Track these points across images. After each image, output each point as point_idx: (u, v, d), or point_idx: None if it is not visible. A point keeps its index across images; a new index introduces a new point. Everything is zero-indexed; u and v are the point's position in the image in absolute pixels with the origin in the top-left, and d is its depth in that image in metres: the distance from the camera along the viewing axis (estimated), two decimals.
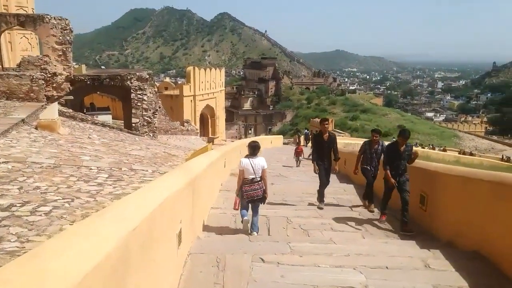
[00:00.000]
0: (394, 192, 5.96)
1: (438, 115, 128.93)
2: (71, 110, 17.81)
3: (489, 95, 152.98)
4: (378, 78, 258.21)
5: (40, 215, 5.03)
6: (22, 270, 1.32)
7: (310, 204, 7.19)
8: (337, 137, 7.57)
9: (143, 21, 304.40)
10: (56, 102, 14.06)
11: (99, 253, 1.61)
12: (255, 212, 5.20)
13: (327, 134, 7.02)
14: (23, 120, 12.06)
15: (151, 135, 19.21)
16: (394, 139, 6.98)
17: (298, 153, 15.28)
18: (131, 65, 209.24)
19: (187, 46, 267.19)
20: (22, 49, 28.65)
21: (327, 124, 7.09)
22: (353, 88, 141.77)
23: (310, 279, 3.50)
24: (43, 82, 15.98)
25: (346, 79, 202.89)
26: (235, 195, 5.26)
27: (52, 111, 12.60)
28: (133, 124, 18.98)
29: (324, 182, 6.97)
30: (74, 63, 23.97)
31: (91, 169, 8.12)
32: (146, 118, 19.07)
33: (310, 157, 17.35)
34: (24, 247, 4.05)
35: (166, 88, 43.24)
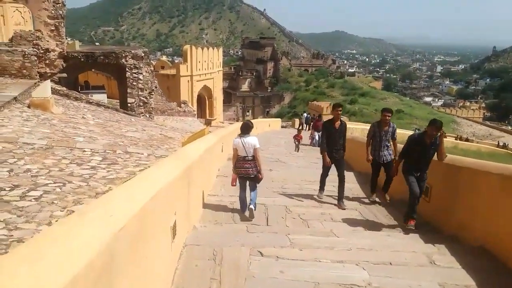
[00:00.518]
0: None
1: (436, 100, 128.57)
2: (65, 88, 17.41)
3: (488, 80, 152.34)
4: (378, 60, 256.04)
5: (30, 200, 4.84)
6: None
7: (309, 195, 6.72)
8: None
9: None
10: (49, 80, 13.66)
11: (77, 263, 1.41)
12: (252, 188, 5.45)
13: (339, 121, 6.36)
14: (15, 98, 11.70)
15: (147, 115, 18.89)
16: (417, 130, 6.39)
17: (297, 139, 14.98)
18: (127, 42, 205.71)
19: (184, 23, 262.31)
20: (15, 23, 27.81)
21: (340, 110, 6.36)
22: (352, 70, 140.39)
23: (311, 276, 3.34)
24: (36, 58, 15.50)
25: (345, 61, 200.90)
26: (232, 172, 5.60)
27: (44, 89, 12.23)
28: (129, 104, 18.63)
29: (325, 172, 6.49)
30: (69, 39, 23.35)
31: (84, 151, 7.89)
32: (142, 98, 18.70)
33: (311, 142, 17.27)
34: (12, 235, 3.86)
35: (163, 67, 42.51)
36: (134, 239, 2.09)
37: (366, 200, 6.55)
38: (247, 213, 5.29)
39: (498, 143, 38.59)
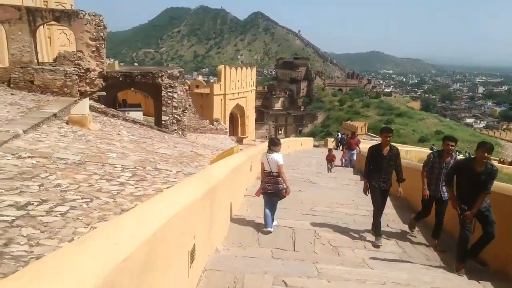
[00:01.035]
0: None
1: (478, 121, 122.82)
2: (103, 106, 18.06)
3: None
4: (415, 81, 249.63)
5: (56, 216, 4.84)
6: None
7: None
8: (368, 141, 6.78)
9: (178, 20, 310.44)
10: (88, 97, 14.20)
11: None
12: (271, 206, 5.54)
13: (388, 147, 5.58)
14: (55, 115, 12.20)
15: (180, 133, 19.16)
16: (466, 154, 5.58)
17: (329, 160, 14.37)
18: (166, 63, 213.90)
19: (220, 45, 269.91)
20: (60, 45, 29.62)
21: (390, 136, 5.55)
22: (389, 90, 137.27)
23: None
24: (77, 77, 16.24)
25: (381, 81, 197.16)
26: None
27: (83, 106, 12.69)
28: (163, 122, 19.00)
29: (379, 208, 5.51)
30: (112, 59, 24.43)
31: (115, 167, 7.97)
32: (176, 115, 19.03)
33: (343, 163, 16.69)
34: (33, 252, 3.82)
35: (197, 86, 43.52)
36: (142, 269, 1.90)
37: (404, 228, 6.05)
38: (269, 230, 5.39)
39: None
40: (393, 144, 5.71)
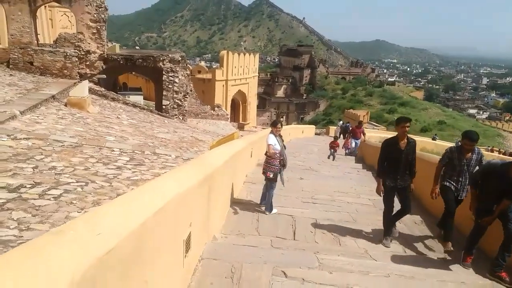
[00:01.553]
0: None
1: (481, 112, 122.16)
2: (103, 89, 17.82)
3: None
4: (419, 70, 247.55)
5: (49, 199, 4.68)
6: None
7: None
8: (370, 130, 6.25)
9: (182, 4, 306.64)
10: (87, 80, 13.95)
11: None
12: (265, 187, 5.72)
13: (405, 140, 4.91)
14: (53, 97, 11.99)
15: (181, 118, 18.95)
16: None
17: (333, 147, 14.12)
18: (168, 48, 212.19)
19: (223, 31, 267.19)
20: (62, 27, 29.22)
21: (408, 126, 4.87)
22: (392, 80, 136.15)
23: None
24: (77, 59, 15.97)
25: (385, 70, 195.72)
26: None
27: (82, 89, 12.47)
28: (163, 106, 18.77)
29: (390, 210, 4.88)
30: (113, 43, 24.07)
31: (113, 150, 7.80)
32: (177, 100, 18.79)
33: (346, 152, 16.39)
34: (22, 236, 3.67)
35: (199, 72, 43.07)
36: (130, 262, 1.74)
37: (406, 218, 5.76)
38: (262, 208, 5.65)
39: None
40: (409, 136, 5.05)
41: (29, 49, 15.63)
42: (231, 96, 40.40)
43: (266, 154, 5.72)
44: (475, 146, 4.66)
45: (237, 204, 5.68)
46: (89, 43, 16.87)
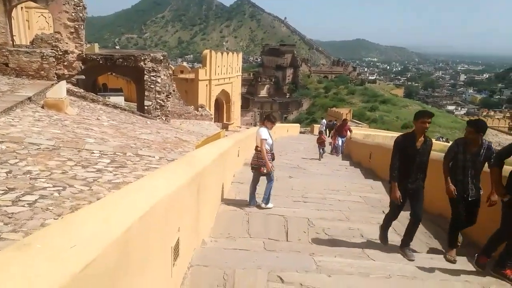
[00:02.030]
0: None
1: (459, 108, 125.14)
2: (82, 90, 17.24)
3: None
4: (399, 69, 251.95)
5: (23, 206, 4.34)
6: None
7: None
8: (354, 127, 5.87)
9: (163, 5, 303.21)
10: (65, 81, 13.43)
11: None
12: (254, 182, 5.63)
13: (423, 138, 4.26)
14: (29, 98, 11.49)
15: (164, 118, 18.54)
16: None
17: (320, 143, 13.30)
18: (149, 49, 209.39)
19: (205, 31, 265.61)
20: (39, 28, 28.30)
21: (429, 122, 4.17)
22: (373, 78, 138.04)
23: None
24: (54, 59, 15.39)
25: (366, 69, 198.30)
26: None
27: (60, 90, 11.98)
28: (146, 107, 18.33)
29: (395, 214, 4.35)
30: (94, 44, 23.39)
31: (92, 153, 7.43)
32: (159, 101, 18.37)
33: (333, 150, 16.19)
34: None
35: (182, 72, 42.48)
36: (111, 276, 1.48)
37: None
38: (251, 204, 5.56)
39: None
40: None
41: (4, 50, 14.98)
42: (215, 96, 40.03)
43: (256, 149, 5.58)
44: (484, 138, 4.10)
45: (225, 205, 5.44)
46: (67, 43, 16.31)
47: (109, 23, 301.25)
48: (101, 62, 18.04)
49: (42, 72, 15.22)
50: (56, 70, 15.81)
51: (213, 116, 30.69)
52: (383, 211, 5.76)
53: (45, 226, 3.82)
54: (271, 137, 5.54)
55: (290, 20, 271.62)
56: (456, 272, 3.49)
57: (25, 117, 9.61)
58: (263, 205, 5.46)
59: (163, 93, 18.80)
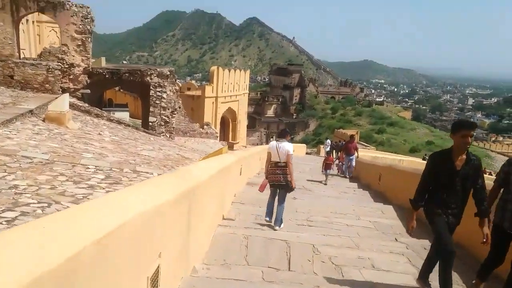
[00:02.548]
0: None
1: None
2: (87, 105, 17.11)
3: None
4: (407, 91, 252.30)
5: (0, 223, 3.99)
6: None
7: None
8: (361, 149, 5.45)
9: (174, 23, 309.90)
10: (67, 94, 13.25)
11: None
12: (279, 201, 5.39)
13: (465, 156, 3.33)
14: (31, 111, 11.29)
15: (168, 135, 18.28)
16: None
17: (327, 165, 12.27)
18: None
19: (214, 50, 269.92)
20: (50, 43, 28.64)
21: (472, 136, 3.27)
22: (380, 100, 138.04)
23: None
24: (60, 72, 15.31)
25: (373, 90, 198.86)
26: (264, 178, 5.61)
27: (62, 103, 11.78)
28: (150, 123, 18.11)
29: (448, 250, 3.30)
30: (102, 58, 23.50)
31: (88, 168, 7.08)
32: (164, 117, 18.17)
33: (339, 171, 15.54)
34: None
35: (189, 89, 42.59)
36: None
37: (414, 241, 5.16)
38: (268, 220, 5.39)
39: None
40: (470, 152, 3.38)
41: (9, 62, 14.94)
42: (221, 113, 39.90)
43: (277, 164, 5.43)
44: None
45: (224, 226, 5.02)
46: (74, 56, 16.29)
47: (121, 40, 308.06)
48: (107, 76, 17.98)
49: (47, 85, 15.12)
50: (62, 83, 15.73)
51: (218, 135, 30.46)
52: (395, 239, 5.30)
53: None
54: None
55: (298, 40, 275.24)
56: None
57: (24, 130, 9.37)
58: (277, 228, 5.28)
59: (169, 109, 18.62)
